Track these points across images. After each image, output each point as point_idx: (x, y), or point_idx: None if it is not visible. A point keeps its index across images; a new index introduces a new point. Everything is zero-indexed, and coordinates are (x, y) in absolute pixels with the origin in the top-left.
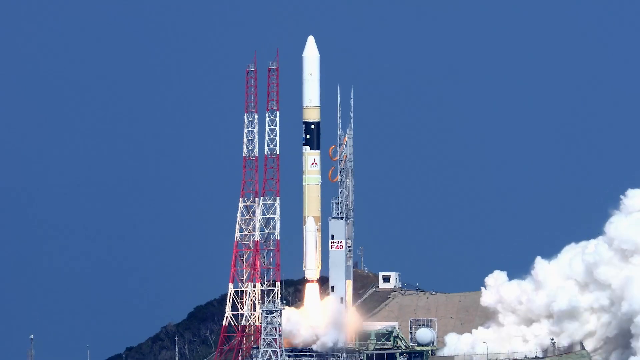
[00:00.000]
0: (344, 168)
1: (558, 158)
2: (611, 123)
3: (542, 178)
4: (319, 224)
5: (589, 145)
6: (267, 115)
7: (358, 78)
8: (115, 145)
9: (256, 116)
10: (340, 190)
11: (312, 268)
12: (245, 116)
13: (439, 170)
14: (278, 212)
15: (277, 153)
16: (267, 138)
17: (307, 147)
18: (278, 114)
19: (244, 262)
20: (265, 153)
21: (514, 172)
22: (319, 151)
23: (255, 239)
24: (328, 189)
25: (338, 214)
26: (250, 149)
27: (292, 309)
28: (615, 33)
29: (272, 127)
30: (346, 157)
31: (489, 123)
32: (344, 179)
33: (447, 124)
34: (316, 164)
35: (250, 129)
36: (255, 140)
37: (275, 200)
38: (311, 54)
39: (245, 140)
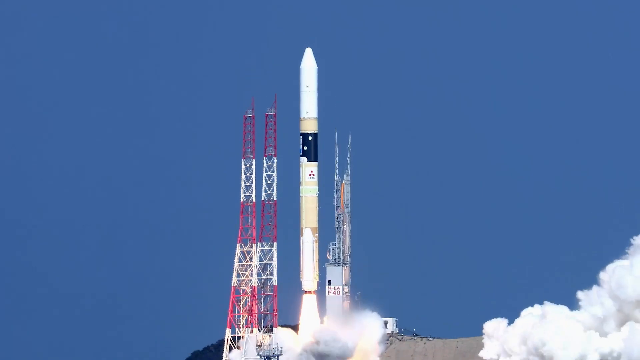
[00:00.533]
0: (341, 214)
1: (559, 200)
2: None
3: (541, 222)
4: (316, 235)
5: (593, 186)
6: (264, 161)
7: (356, 84)
8: (114, 188)
9: (254, 162)
10: (337, 236)
11: (309, 279)
12: (242, 162)
13: (438, 215)
14: (275, 258)
15: (275, 199)
16: (264, 184)
17: (305, 159)
18: (275, 160)
19: (242, 308)
20: (263, 199)
21: (513, 217)
22: (316, 162)
23: (253, 284)
24: (325, 197)
25: (335, 259)
26: (247, 194)
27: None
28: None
29: (269, 173)
30: (343, 203)
31: (487, 166)
32: (341, 225)
33: (446, 162)
34: (313, 175)
35: (247, 174)
36: (253, 186)
37: (273, 246)
38: (309, 65)
39: (242, 186)
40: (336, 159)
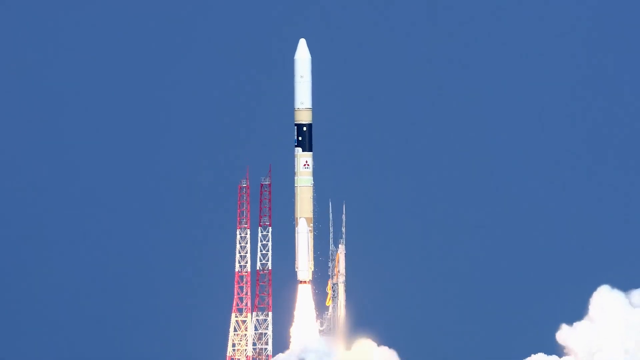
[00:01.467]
0: (335, 283)
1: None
2: None
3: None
4: (311, 225)
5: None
6: (259, 230)
7: (351, 74)
8: (109, 263)
9: (248, 232)
10: (332, 305)
11: (304, 269)
12: (237, 232)
13: (436, 278)
14: (270, 328)
15: (269, 268)
16: (259, 254)
17: (299, 149)
18: (270, 230)
19: None
20: (258, 268)
21: (515, 260)
22: (311, 153)
23: (248, 354)
24: (320, 189)
25: (330, 328)
26: (242, 264)
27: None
28: None
29: (264, 242)
30: (338, 272)
31: (492, 212)
32: (336, 294)
33: (446, 205)
34: (308, 165)
35: (242, 244)
36: (248, 255)
37: (268, 316)
38: (303, 56)
39: (237, 255)
40: (330, 229)
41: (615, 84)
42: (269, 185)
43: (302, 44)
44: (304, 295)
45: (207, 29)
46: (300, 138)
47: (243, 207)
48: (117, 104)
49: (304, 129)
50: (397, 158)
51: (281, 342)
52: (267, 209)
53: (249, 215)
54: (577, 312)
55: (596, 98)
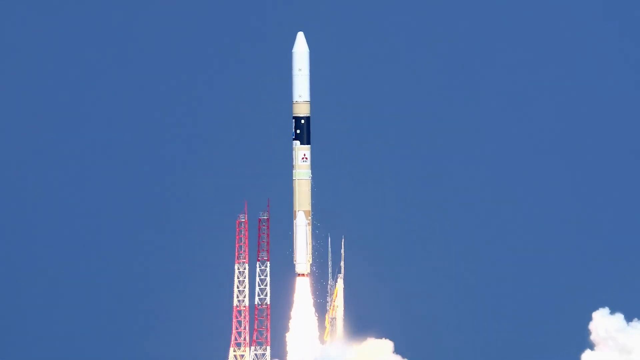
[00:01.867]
0: (334, 317)
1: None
2: None
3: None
4: (309, 218)
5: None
6: (257, 265)
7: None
8: (106, 295)
9: (247, 266)
10: (330, 338)
11: (302, 262)
12: (236, 266)
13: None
14: None
15: (268, 303)
16: (257, 288)
17: (297, 142)
18: (269, 264)
19: None
20: (256, 303)
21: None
22: (309, 146)
23: None
24: (319, 183)
25: None
26: (240, 299)
27: None
28: None
29: (262, 277)
30: (336, 306)
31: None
32: (334, 327)
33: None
34: (306, 158)
35: (240, 279)
36: (246, 290)
37: (266, 350)
38: (301, 49)
39: (236, 290)
40: (329, 263)
41: (618, 83)
42: (267, 220)
43: (300, 37)
44: (302, 288)
45: (204, 23)
46: (298, 131)
47: (241, 242)
48: (113, 108)
49: (302, 121)
50: (397, 152)
51: None
52: (265, 243)
53: (247, 250)
54: (578, 314)
55: (599, 99)
